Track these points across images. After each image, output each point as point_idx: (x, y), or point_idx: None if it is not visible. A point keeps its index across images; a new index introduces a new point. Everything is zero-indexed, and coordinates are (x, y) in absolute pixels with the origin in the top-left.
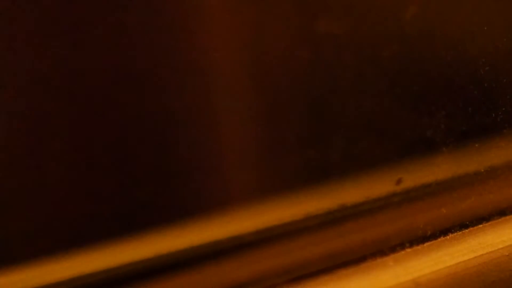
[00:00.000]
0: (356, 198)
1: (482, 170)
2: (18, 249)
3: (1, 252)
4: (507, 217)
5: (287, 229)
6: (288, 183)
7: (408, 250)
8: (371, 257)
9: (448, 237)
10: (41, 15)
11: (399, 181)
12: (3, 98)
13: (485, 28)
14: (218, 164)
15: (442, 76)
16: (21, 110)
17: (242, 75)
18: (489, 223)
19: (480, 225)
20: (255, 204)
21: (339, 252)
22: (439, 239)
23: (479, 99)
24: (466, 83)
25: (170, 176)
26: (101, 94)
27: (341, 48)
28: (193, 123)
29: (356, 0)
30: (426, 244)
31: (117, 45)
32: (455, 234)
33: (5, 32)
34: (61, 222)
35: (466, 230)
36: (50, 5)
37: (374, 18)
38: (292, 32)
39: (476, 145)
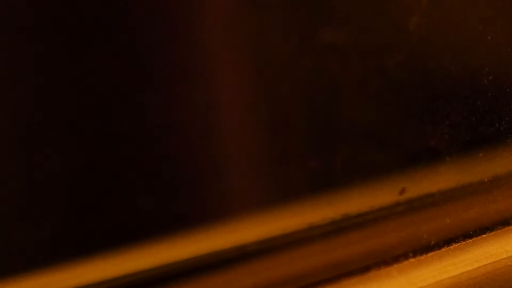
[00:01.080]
0: (359, 207)
1: (486, 180)
2: (24, 258)
3: (5, 262)
4: (511, 227)
5: (291, 239)
6: (292, 192)
7: (412, 260)
8: (374, 267)
9: (451, 247)
10: (42, 16)
11: (402, 191)
12: (3, 103)
13: (489, 37)
14: (222, 173)
15: (445, 86)
16: (22, 116)
17: (246, 85)
18: (493, 233)
19: (484, 235)
20: (258, 214)
21: (343, 262)
22: (443, 249)
23: (483, 108)
24: (469, 93)
25: (173, 185)
26: (103, 100)
27: (345, 58)
28: (196, 132)
29: (360, 9)
30: (429, 254)
31: (119, 49)
32: (459, 244)
33: (6, 33)
34: (64, 232)
35: (470, 240)
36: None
37: (377, 28)
38: (295, 41)
39: (480, 154)
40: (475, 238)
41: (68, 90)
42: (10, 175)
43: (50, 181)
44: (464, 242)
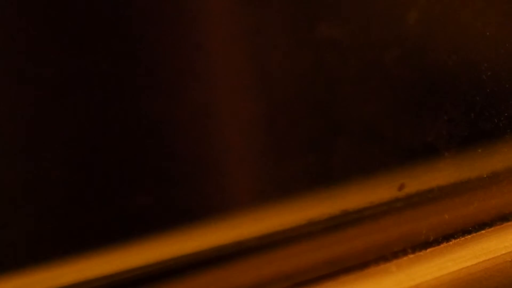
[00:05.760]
0: (358, 203)
1: (485, 176)
2: (22, 253)
3: (4, 257)
4: (510, 223)
5: (290, 234)
6: (291, 188)
7: (411, 256)
8: (373, 263)
9: (450, 243)
10: (42, 16)
11: (401, 187)
12: (3, 99)
13: (488, 33)
14: (221, 169)
15: (444, 81)
16: (21, 112)
17: (244, 80)
18: (492, 228)
19: (483, 231)
20: (257, 210)
21: (342, 258)
22: (442, 245)
23: (482, 104)
24: (468, 88)
25: (173, 181)
26: (101, 96)
27: (343, 53)
28: (195, 128)
29: (358, 4)
30: (428, 250)
31: (118, 47)
32: (458, 240)
33: (7, 33)
34: (63, 227)
35: (469, 236)
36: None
37: (376, 23)
38: (294, 36)
39: (479, 150)
40: (474, 234)
41: (68, 87)
42: (7, 171)
43: (44, 177)
44: (463, 238)
